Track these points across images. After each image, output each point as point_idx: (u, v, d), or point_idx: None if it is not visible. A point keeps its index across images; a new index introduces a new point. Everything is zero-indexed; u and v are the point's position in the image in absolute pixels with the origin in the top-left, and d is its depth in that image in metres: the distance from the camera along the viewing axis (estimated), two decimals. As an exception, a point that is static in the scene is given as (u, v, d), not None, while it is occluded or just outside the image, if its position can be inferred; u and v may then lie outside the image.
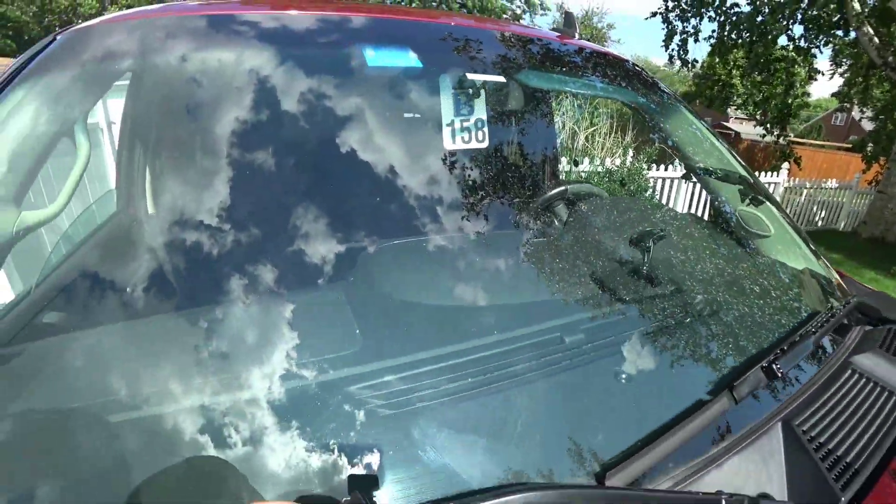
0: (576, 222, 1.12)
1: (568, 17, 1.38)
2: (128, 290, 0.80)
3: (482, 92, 1.03)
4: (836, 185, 9.15)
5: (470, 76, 0.99)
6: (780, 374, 0.66)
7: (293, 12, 0.99)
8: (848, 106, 13.67)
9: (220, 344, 0.72)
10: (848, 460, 0.61)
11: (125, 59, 0.91)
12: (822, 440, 0.63)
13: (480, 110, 1.03)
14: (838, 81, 11.38)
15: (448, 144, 0.98)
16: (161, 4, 1.15)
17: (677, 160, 6.28)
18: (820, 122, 32.28)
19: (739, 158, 1.30)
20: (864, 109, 14.30)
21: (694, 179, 1.38)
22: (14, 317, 0.85)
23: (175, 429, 0.60)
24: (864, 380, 0.74)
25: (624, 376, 0.68)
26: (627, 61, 1.36)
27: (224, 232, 0.84)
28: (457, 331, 0.78)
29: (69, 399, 0.67)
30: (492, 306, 0.85)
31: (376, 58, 0.88)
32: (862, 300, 0.95)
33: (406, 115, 1.03)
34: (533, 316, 0.82)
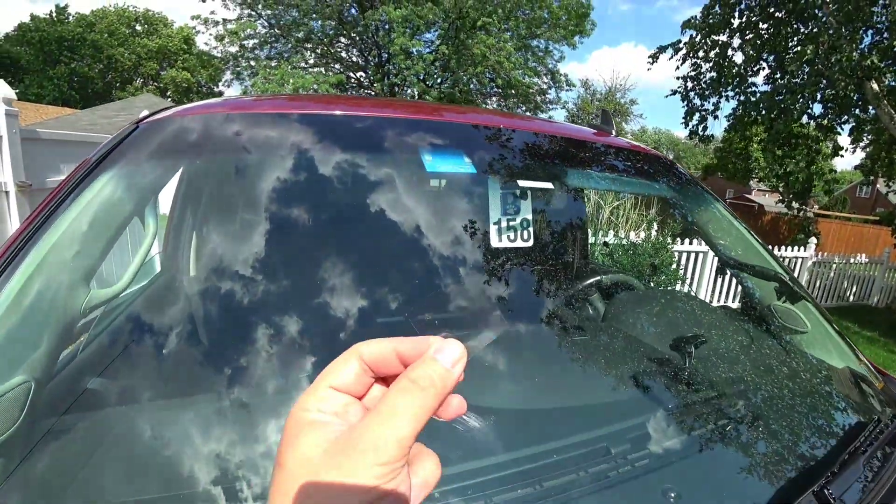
0: (614, 319, 1.15)
1: (605, 116, 1.48)
2: (171, 352, 0.83)
3: (529, 194, 1.11)
4: (867, 259, 8.98)
5: (519, 182, 1.08)
6: (832, 501, 0.66)
7: (350, 112, 1.10)
8: (872, 179, 13.63)
9: (255, 418, 0.72)
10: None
11: (191, 144, 0.99)
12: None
13: (526, 211, 1.10)
14: (861, 154, 11.45)
15: (495, 242, 1.05)
16: (227, 98, 1.28)
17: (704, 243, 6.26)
18: (845, 194, 32.10)
19: (770, 251, 1.33)
20: (890, 183, 14.24)
21: (727, 271, 1.40)
22: (60, 382, 0.86)
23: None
24: (922, 501, 0.73)
25: (672, 496, 0.68)
26: (662, 157, 1.44)
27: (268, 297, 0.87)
28: (497, 439, 0.76)
29: (118, 476, 0.67)
30: (532, 410, 0.86)
31: (434, 163, 0.97)
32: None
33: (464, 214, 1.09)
34: (576, 422, 0.83)
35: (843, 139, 9.99)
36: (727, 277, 6.81)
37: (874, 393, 1.04)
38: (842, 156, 10.33)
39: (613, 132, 1.48)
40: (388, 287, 1.01)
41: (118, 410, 0.79)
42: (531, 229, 1.10)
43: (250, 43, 17.67)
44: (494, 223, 1.06)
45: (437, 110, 1.25)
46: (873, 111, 8.63)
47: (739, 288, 6.37)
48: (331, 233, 1.07)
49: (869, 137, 10.42)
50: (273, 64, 17.16)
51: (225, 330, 0.90)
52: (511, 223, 1.07)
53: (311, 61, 18.85)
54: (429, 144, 1.01)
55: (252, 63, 17.74)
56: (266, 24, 17.66)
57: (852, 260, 8.84)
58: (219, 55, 18.63)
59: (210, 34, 17.33)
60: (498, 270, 1.05)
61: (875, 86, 8.07)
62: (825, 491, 0.66)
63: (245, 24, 16.71)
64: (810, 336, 1.21)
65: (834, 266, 8.63)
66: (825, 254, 8.66)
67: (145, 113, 1.18)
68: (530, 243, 1.10)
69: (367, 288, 0.95)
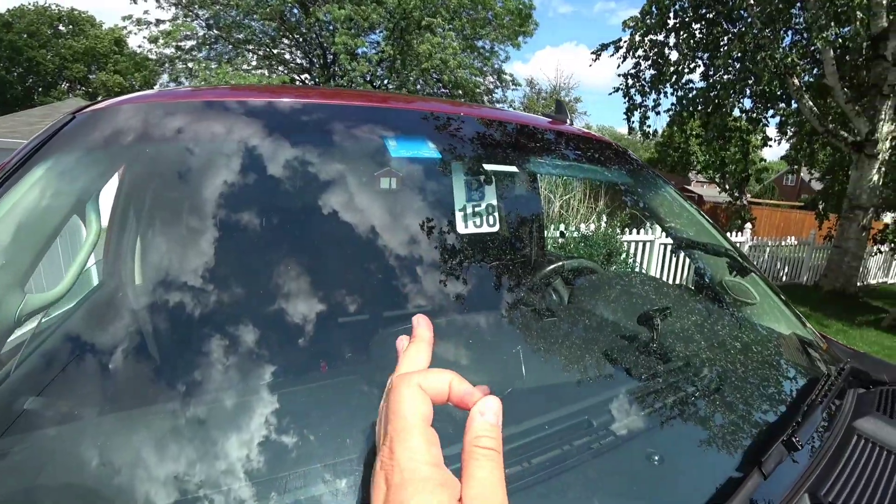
0: (578, 301, 1.18)
1: (559, 106, 1.51)
2: (112, 369, 0.76)
3: (493, 179, 1.11)
4: (796, 241, 9.67)
5: (484, 166, 1.07)
6: (800, 447, 0.70)
7: (298, 100, 1.04)
8: (797, 168, 14.69)
9: (215, 434, 0.67)
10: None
11: (134, 138, 0.91)
12: (844, 508, 0.66)
13: (491, 196, 1.10)
14: (786, 146, 12.32)
15: (461, 228, 1.05)
16: (172, 88, 1.20)
17: (651, 227, 6.53)
18: (773, 183, 34.43)
19: (720, 230, 1.40)
20: (812, 171, 15.39)
21: (682, 252, 1.46)
22: None
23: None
24: (870, 445, 0.78)
25: (656, 458, 0.69)
26: (615, 144, 1.48)
27: (217, 305, 0.82)
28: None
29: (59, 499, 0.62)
30: (511, 392, 0.86)
31: (398, 149, 0.95)
32: (853, 364, 1.01)
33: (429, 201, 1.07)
34: (556, 399, 0.83)
35: (772, 131, 10.76)
36: (674, 263, 7.14)
37: (820, 355, 1.11)
38: (770, 146, 11.08)
39: (568, 121, 1.51)
40: (352, 284, 0.97)
41: (61, 431, 0.71)
42: (496, 214, 1.10)
43: (188, 44, 16.91)
44: (460, 209, 1.06)
45: (394, 99, 1.23)
46: (796, 105, 9.31)
47: (688, 271, 6.70)
48: (291, 229, 1.02)
49: (793, 130, 11.24)
50: (213, 66, 16.49)
51: (178, 342, 0.84)
52: (476, 209, 1.07)
53: (254, 63, 18.27)
54: (391, 131, 0.99)
55: (190, 65, 16.98)
56: (203, 24, 16.96)
57: (783, 243, 9.50)
58: (154, 57, 17.72)
59: (143, 36, 16.48)
60: (463, 259, 1.04)
61: (797, 81, 8.71)
62: (793, 439, 0.70)
63: (181, 26, 15.96)
64: (759, 307, 1.28)
65: (768, 249, 9.25)
66: (759, 238, 9.26)
67: (83, 103, 1.08)
68: (496, 228, 1.10)
69: (330, 286, 0.90)
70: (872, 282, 10.79)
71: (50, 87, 36.78)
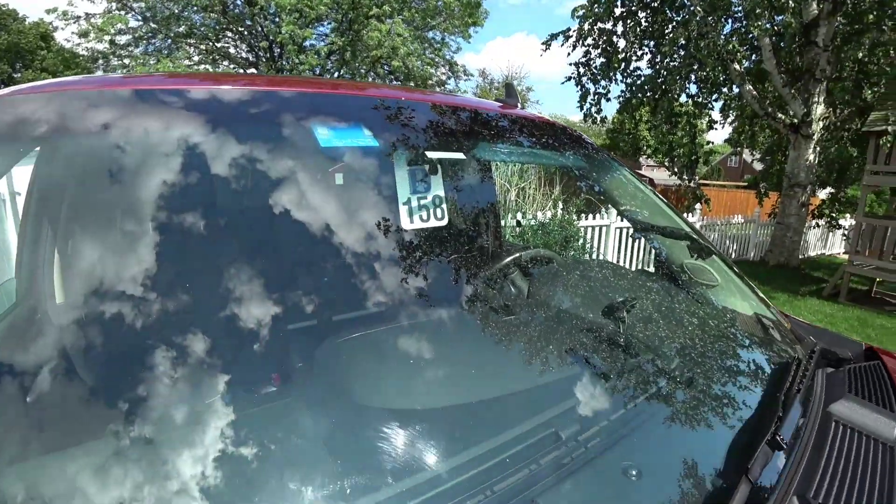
0: (538, 294, 1.10)
1: (509, 89, 1.42)
2: (34, 397, 0.66)
3: (439, 168, 1.01)
4: (743, 220, 10.10)
5: (428, 154, 0.97)
6: (784, 445, 0.65)
7: (222, 86, 0.92)
8: (739, 150, 15.36)
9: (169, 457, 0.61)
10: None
11: (39, 131, 0.78)
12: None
13: (438, 187, 1.01)
14: (729, 129, 12.84)
15: (406, 223, 0.94)
16: (86, 76, 1.05)
17: (606, 211, 6.65)
18: (718, 165, 35.96)
19: (677, 212, 1.37)
20: (754, 153, 16.15)
21: (640, 235, 1.43)
22: None
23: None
24: (848, 430, 0.75)
25: (633, 473, 0.62)
26: (572, 130, 1.42)
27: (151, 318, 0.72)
28: (444, 439, 0.68)
29: None
30: (468, 405, 0.77)
31: (329, 138, 0.84)
32: (822, 346, 0.99)
33: (360, 192, 0.98)
34: (520, 411, 0.75)
35: (715, 115, 11.18)
36: (630, 246, 7.29)
37: (785, 335, 1.09)
38: (716, 129, 11.53)
39: (519, 105, 1.43)
40: (297, 287, 0.87)
41: None
42: (444, 207, 1.01)
43: (122, 39, 15.89)
44: (404, 203, 0.95)
45: (332, 85, 1.12)
46: (738, 89, 9.69)
47: (644, 253, 6.88)
48: (226, 229, 0.91)
49: (735, 113, 11.72)
50: (152, 61, 15.58)
51: (111, 362, 0.75)
52: (422, 201, 0.97)
53: (197, 58, 17.39)
54: (323, 119, 0.87)
55: (126, 61, 15.98)
56: (139, 18, 15.98)
57: (732, 221, 9.90)
58: (85, 53, 16.56)
59: (72, 31, 15.39)
60: (412, 257, 0.95)
61: (738, 67, 9.05)
62: (776, 438, 0.65)
63: (113, 18, 14.96)
64: (721, 288, 1.25)
65: (717, 228, 9.61)
66: (708, 218, 9.60)
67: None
68: (444, 222, 1.01)
69: (273, 292, 0.81)
70: (812, 254, 11.46)
71: (-33, 87, 33.94)
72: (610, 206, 6.76)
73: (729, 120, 12.12)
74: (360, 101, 1.02)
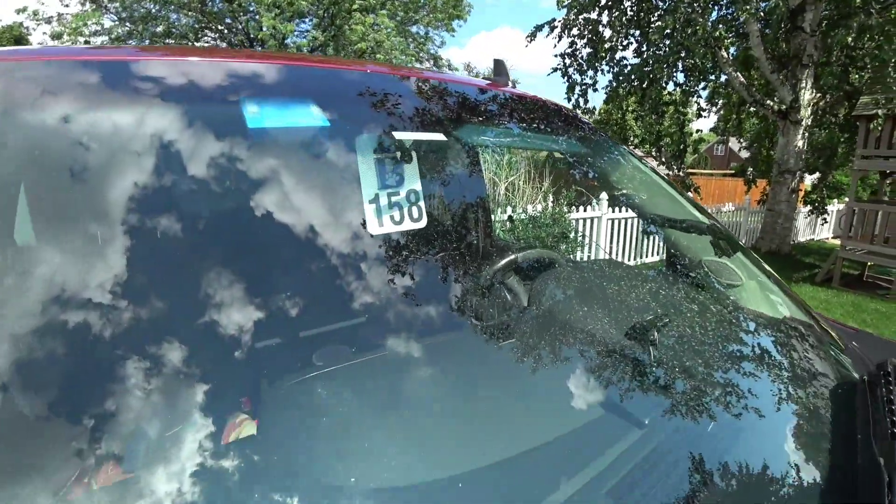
0: (538, 299, 0.92)
1: (499, 66, 1.24)
2: None
3: (414, 155, 0.81)
4: (734, 207, 10.03)
5: (397, 135, 0.78)
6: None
7: (153, 58, 0.74)
8: (725, 138, 15.33)
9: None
10: None
11: None
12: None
13: (413, 179, 0.81)
14: (714, 118, 12.78)
15: (374, 227, 0.75)
16: None
17: (597, 202, 6.50)
18: (704, 154, 36.10)
19: (700, 207, 1.20)
20: (741, 140, 16.14)
21: (654, 230, 1.28)
22: None
23: None
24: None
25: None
26: (571, 110, 1.24)
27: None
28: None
29: None
30: (473, 434, 0.61)
31: (263, 116, 0.66)
32: (882, 361, 0.82)
33: (321, 189, 0.80)
34: (533, 433, 0.59)
35: (703, 104, 11.09)
36: (622, 238, 7.15)
37: (829, 341, 0.93)
38: (705, 117, 11.45)
39: (510, 84, 1.25)
40: (264, 306, 0.70)
41: None
42: (422, 205, 0.81)
43: (98, 40, 15.40)
44: (370, 201, 0.76)
45: (273, 56, 0.92)
46: (725, 77, 9.59)
47: (637, 244, 6.76)
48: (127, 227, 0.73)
49: (722, 101, 11.65)
50: (128, 62, 15.12)
51: (51, 390, 0.64)
52: (393, 198, 0.78)
53: (175, 58, 16.93)
54: (255, 92, 0.69)
55: (101, 63, 15.52)
56: (115, 18, 15.51)
57: (722, 209, 9.83)
58: (58, 56, 16.03)
59: (43, 32, 14.95)
60: (382, 270, 0.77)
61: (725, 54, 8.95)
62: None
63: (86, 16, 14.49)
64: (746, 288, 1.08)
65: (708, 218, 9.54)
66: (700, 207, 9.53)
67: None
68: (422, 224, 0.81)
69: (236, 304, 0.65)
70: (802, 239, 11.46)
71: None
72: (604, 195, 6.63)
73: (715, 109, 12.06)
74: (308, 72, 0.82)
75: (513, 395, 0.71)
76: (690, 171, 18.35)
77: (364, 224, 0.73)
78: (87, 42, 15.06)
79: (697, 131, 11.39)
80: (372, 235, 0.74)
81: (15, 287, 0.66)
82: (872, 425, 0.64)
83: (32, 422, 0.59)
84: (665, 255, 1.23)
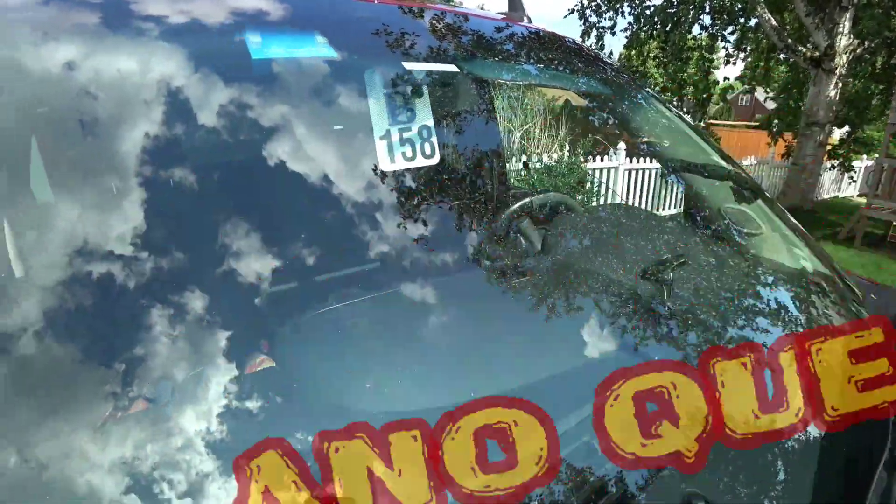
0: (553, 244, 0.91)
1: (513, 2, 1.17)
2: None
3: (425, 90, 0.78)
4: (756, 161, 9.72)
5: (407, 66, 0.74)
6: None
7: None
8: (751, 88, 14.68)
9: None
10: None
11: None
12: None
13: (425, 115, 0.78)
14: (741, 66, 12.16)
15: (385, 164, 0.73)
16: None
17: (615, 152, 6.34)
18: (728, 105, 34.69)
19: (723, 153, 1.15)
20: (767, 91, 15.43)
21: (673, 177, 1.24)
22: None
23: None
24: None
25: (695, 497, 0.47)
26: (588, 48, 1.17)
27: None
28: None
29: None
30: (483, 368, 0.63)
31: (265, 47, 0.62)
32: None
33: (330, 125, 0.78)
34: (543, 368, 0.61)
35: (730, 49, 10.52)
36: (640, 188, 7.01)
37: (850, 293, 0.91)
38: (733, 63, 10.87)
39: (526, 19, 1.18)
40: (278, 248, 0.71)
41: None
42: (434, 140, 0.78)
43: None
44: (381, 137, 0.74)
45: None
46: (755, 20, 9.04)
47: (653, 195, 6.65)
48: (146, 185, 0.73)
49: (750, 47, 11.03)
50: None
51: (85, 342, 0.67)
52: (405, 134, 0.75)
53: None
54: (259, 23, 0.65)
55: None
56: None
57: (744, 163, 9.54)
58: None
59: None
60: (395, 206, 0.76)
61: (756, -7, 8.39)
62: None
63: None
64: (766, 238, 1.05)
65: (728, 171, 9.28)
66: (720, 160, 9.24)
67: None
68: (435, 160, 0.79)
69: (252, 257, 0.67)
70: (826, 196, 11.10)
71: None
72: (621, 145, 6.45)
73: (743, 55, 11.45)
74: (313, 2, 0.78)
75: (520, 331, 0.72)
76: (712, 122, 17.71)
77: (375, 160, 0.72)
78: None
79: (725, 79, 10.86)
80: (384, 172, 0.73)
81: (40, 240, 0.67)
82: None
83: (70, 365, 0.61)
84: (683, 205, 1.19)
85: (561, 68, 1.09)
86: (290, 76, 0.68)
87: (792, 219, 1.10)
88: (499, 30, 1.02)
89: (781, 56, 9.98)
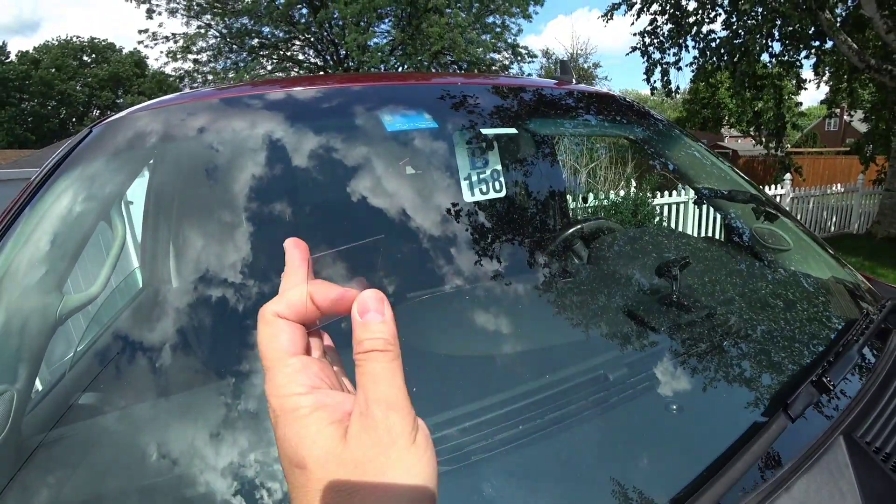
0: (596, 257, 1.14)
1: (563, 66, 1.46)
2: (158, 364, 0.82)
3: (495, 144, 1.09)
4: (843, 189, 9.13)
5: (482, 130, 1.05)
6: (831, 387, 0.66)
7: (301, 88, 1.06)
8: (837, 111, 13.81)
9: (250, 412, 0.72)
10: (919, 466, 0.59)
11: (151, 143, 0.97)
12: (888, 450, 0.62)
13: (495, 161, 1.09)
14: (825, 89, 11.57)
15: (468, 197, 1.03)
16: (185, 92, 1.24)
17: (684, 188, 6.29)
18: (813, 130, 32.56)
19: (743, 175, 1.33)
20: (853, 112, 14.46)
21: (704, 203, 1.38)
22: (51, 401, 0.87)
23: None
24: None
25: (674, 408, 0.67)
26: (622, 97, 1.42)
27: (250, 299, 0.86)
28: (499, 380, 0.78)
29: (114, 480, 0.68)
30: (528, 351, 0.85)
31: (394, 123, 0.95)
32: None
33: (415, 170, 1.08)
34: (573, 356, 0.82)
35: (808, 74, 10.09)
36: (712, 222, 6.87)
37: (862, 294, 1.05)
38: (805, 89, 10.39)
39: (574, 80, 1.46)
40: (384, 267, 0.98)
41: (112, 420, 0.78)
42: (502, 180, 1.09)
43: (203, 56, 17.27)
44: (464, 178, 1.05)
45: (395, 77, 1.22)
46: (832, 43, 8.72)
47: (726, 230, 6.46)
48: (310, 216, 1.04)
49: (829, 70, 10.52)
50: (231, 75, 16.81)
51: (218, 338, 0.89)
52: (481, 175, 1.06)
53: (270, 67, 18.51)
54: (387, 107, 0.98)
55: (210, 77, 17.36)
56: (217, 34, 17.26)
57: (829, 191, 8.99)
58: (173, 73, 18.21)
59: (161, 51, 17.03)
60: (474, 227, 1.03)
61: (830, 16, 8.14)
62: (823, 379, 0.66)
63: (195, 36, 16.30)
64: (794, 253, 1.21)
65: (812, 199, 8.77)
66: (802, 188, 8.77)
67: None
68: (502, 193, 1.09)
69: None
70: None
71: (83, 117, 38.44)
72: (684, 183, 6.40)
73: (824, 78, 10.93)
74: (421, 89, 1.12)
75: (553, 333, 0.94)
76: (794, 150, 16.74)
77: (460, 194, 1.02)
78: (195, 60, 16.92)
79: (797, 105, 10.36)
80: (465, 202, 1.02)
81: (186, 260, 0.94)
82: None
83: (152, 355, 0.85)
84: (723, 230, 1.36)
85: (604, 119, 1.35)
86: (410, 140, 1.00)
87: (814, 234, 1.25)
88: (550, 92, 1.30)
89: (864, 76, 9.46)
